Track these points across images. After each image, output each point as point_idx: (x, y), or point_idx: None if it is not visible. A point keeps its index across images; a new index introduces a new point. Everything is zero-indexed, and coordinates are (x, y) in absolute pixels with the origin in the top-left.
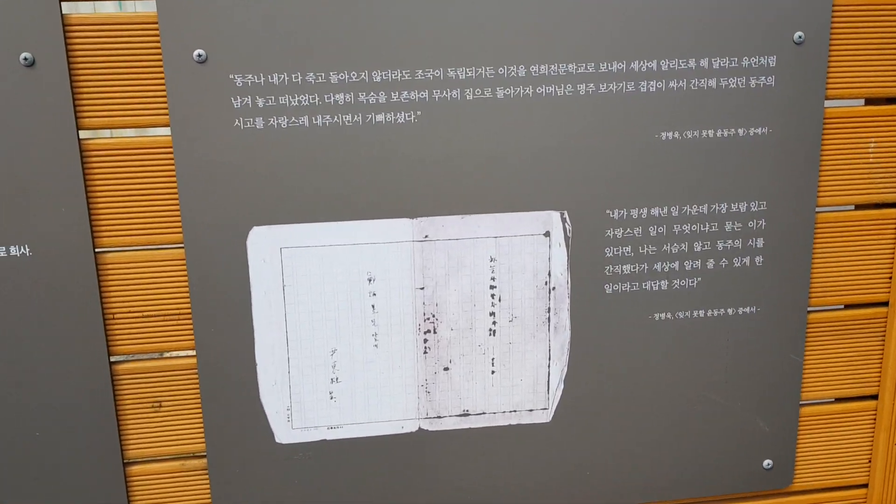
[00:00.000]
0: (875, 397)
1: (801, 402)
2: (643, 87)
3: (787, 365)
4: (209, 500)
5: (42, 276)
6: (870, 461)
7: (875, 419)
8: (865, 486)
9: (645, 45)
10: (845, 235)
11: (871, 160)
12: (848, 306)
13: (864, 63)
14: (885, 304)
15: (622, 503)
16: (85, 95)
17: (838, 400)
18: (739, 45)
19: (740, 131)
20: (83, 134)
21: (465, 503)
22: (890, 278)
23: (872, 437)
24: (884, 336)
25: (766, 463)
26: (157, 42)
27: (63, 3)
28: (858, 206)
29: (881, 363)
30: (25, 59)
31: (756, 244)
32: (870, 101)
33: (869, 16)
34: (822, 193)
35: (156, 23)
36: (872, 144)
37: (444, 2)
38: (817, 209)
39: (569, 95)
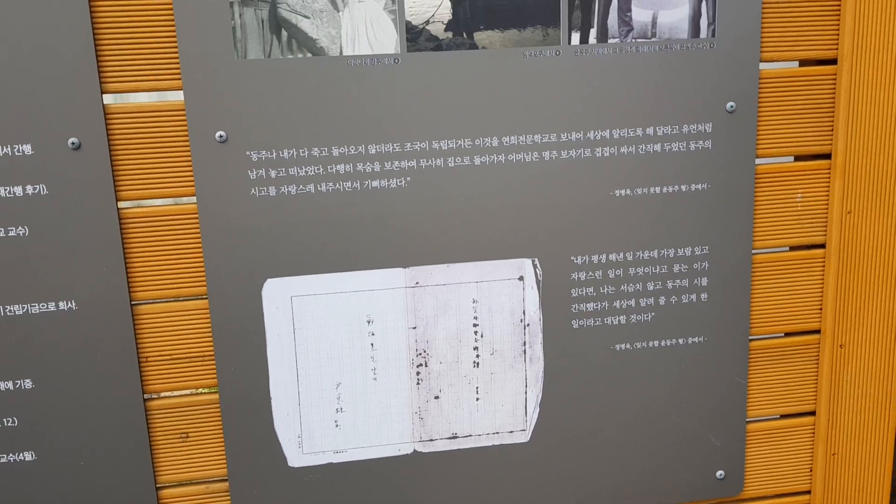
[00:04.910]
0: (813, 413)
1: (747, 420)
2: (598, 152)
3: (733, 387)
4: None
5: (86, 326)
6: (811, 470)
7: (814, 433)
8: (808, 492)
9: (599, 116)
10: (780, 273)
11: (799, 208)
12: (787, 334)
13: (789, 126)
14: (818, 331)
15: None
16: (123, 172)
17: (782, 416)
18: (680, 115)
19: (683, 187)
20: (122, 204)
21: None
22: (821, 309)
23: (812, 448)
24: (818, 359)
25: (719, 474)
26: (185, 125)
27: (104, 95)
28: (792, 248)
29: (816, 383)
30: (73, 143)
31: (701, 283)
32: (798, 158)
33: (791, 85)
34: (758, 237)
35: (183, 110)
36: (800, 195)
37: (428, 88)
38: (753, 251)
39: (535, 161)
